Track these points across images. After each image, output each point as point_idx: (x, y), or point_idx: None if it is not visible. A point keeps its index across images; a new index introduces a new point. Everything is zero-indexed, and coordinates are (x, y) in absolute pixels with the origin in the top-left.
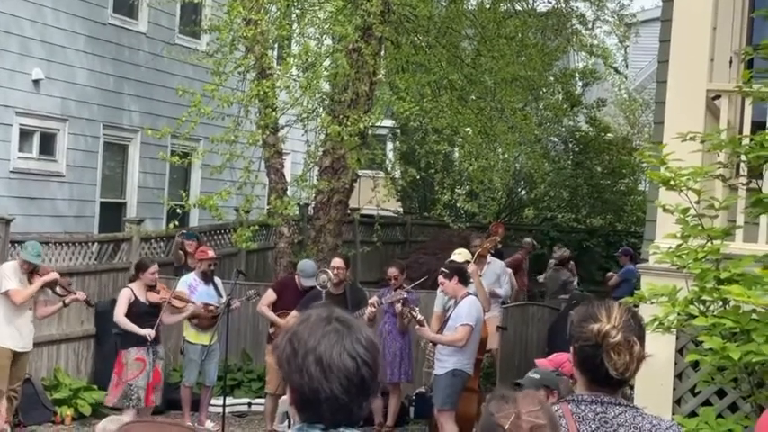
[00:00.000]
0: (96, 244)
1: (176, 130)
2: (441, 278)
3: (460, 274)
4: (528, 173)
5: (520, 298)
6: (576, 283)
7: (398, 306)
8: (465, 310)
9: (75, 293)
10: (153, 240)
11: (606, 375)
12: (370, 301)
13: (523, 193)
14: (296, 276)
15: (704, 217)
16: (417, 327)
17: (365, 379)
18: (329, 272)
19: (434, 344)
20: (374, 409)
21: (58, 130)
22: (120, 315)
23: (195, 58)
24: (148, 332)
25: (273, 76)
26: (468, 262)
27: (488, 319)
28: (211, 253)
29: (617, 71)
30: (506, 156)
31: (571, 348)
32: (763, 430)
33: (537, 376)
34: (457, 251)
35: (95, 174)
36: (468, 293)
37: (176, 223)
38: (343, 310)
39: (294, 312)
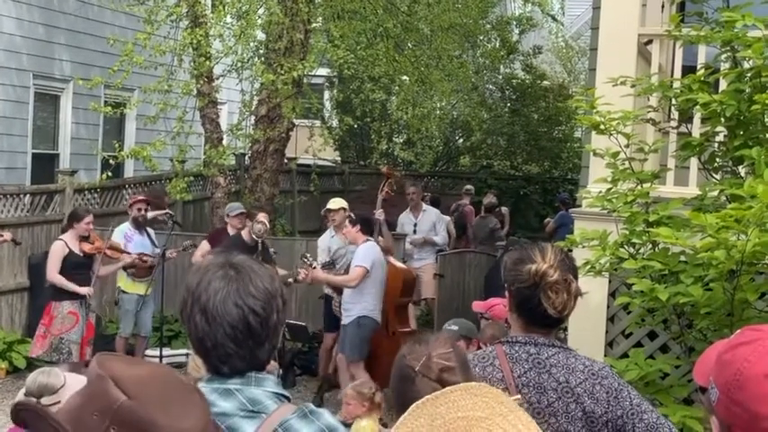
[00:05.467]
0: (28, 196)
1: (108, 80)
2: (346, 222)
3: (365, 223)
4: (465, 121)
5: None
6: (503, 230)
7: None
8: (361, 253)
9: (1, 235)
10: (86, 192)
11: (544, 315)
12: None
13: (460, 140)
14: (227, 226)
15: (634, 161)
16: (309, 273)
17: (252, 327)
18: (266, 222)
19: (339, 294)
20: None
21: None
22: (53, 273)
23: (126, 6)
24: (88, 290)
25: (207, 24)
26: (343, 209)
27: (424, 267)
28: (142, 197)
29: (554, 18)
30: (443, 104)
31: (507, 292)
32: (702, 365)
33: (455, 327)
34: (332, 200)
35: (26, 125)
36: (368, 240)
37: (110, 174)
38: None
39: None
